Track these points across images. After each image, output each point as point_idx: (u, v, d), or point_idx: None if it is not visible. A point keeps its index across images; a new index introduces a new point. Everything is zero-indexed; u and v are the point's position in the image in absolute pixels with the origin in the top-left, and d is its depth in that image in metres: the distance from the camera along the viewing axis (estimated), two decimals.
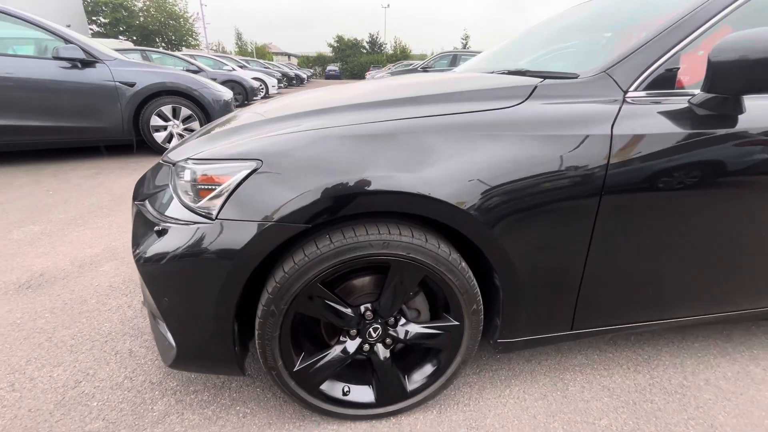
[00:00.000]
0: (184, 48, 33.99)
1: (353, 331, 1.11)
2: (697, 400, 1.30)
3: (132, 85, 4.25)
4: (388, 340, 1.13)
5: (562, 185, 0.98)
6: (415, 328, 1.13)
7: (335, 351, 1.11)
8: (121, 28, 35.12)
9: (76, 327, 1.60)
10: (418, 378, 1.19)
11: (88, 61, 4.04)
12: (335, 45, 54.82)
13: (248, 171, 0.94)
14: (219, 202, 0.94)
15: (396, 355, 1.23)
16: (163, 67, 4.82)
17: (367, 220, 1.01)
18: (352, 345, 1.12)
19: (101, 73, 4.12)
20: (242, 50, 53.12)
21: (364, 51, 55.27)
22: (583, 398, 1.30)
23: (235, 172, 0.95)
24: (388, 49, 55.66)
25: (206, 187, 0.97)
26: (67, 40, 4.00)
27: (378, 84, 1.65)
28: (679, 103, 1.06)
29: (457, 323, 1.11)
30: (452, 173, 0.94)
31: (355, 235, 0.96)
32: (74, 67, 4.00)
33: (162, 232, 0.99)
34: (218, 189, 0.95)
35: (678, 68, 1.07)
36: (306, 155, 0.95)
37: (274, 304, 0.99)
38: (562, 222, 1.02)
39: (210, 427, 1.16)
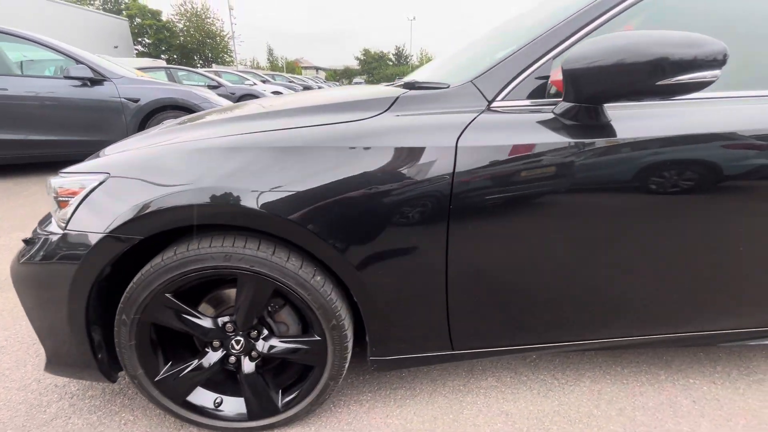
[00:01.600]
0: (214, 65, 35.74)
1: (216, 343, 1.12)
2: (600, 431, 1.20)
3: (136, 101, 4.52)
4: (253, 353, 1.13)
5: (408, 199, 0.95)
6: (275, 342, 1.11)
7: (197, 362, 1.12)
8: (163, 48, 37.51)
9: (14, 329, 1.70)
10: (291, 393, 1.18)
11: (97, 79, 4.34)
12: (362, 58, 55.90)
13: (95, 184, 0.98)
14: (69, 213, 0.98)
15: (274, 369, 1.22)
16: (167, 84, 5.09)
17: (220, 232, 1.02)
18: (213, 356, 1.12)
19: (108, 90, 4.41)
20: (274, 65, 55.29)
21: (390, 63, 55.99)
22: (475, 423, 1.23)
23: (86, 185, 0.99)
24: (414, 60, 56.08)
25: (65, 199, 1.02)
26: (78, 61, 4.32)
27: (302, 95, 1.67)
28: (546, 113, 1.01)
29: (319, 339, 1.09)
30: (289, 187, 0.94)
31: (198, 248, 0.97)
32: (84, 85, 4.31)
33: (28, 242, 1.05)
34: (71, 201, 1.00)
35: (549, 77, 1.02)
36: (148, 168, 0.98)
37: (125, 314, 1.01)
38: (413, 237, 0.98)
39: None
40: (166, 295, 1.01)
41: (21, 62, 4.67)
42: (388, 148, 0.96)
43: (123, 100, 4.46)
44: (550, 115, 0.99)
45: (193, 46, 38.92)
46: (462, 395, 1.35)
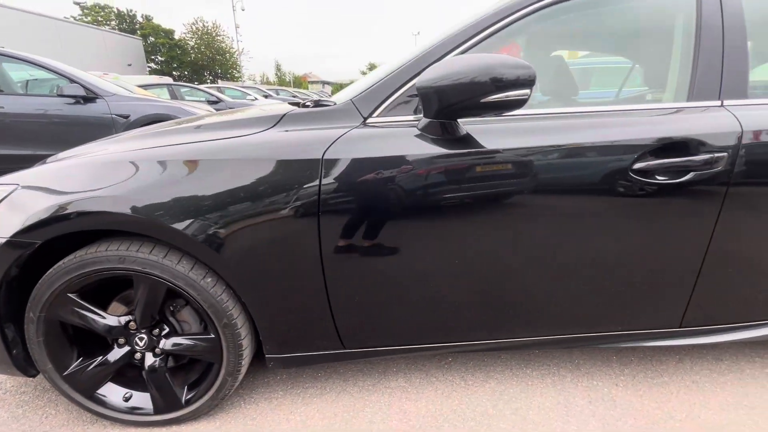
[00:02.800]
0: (221, 81, 36.71)
1: (121, 340, 1.21)
2: (489, 429, 1.26)
3: (126, 116, 4.74)
4: (157, 350, 1.22)
5: (282, 206, 1.05)
6: (176, 340, 1.20)
7: (101, 357, 1.21)
8: (174, 65, 38.72)
9: None
10: (195, 389, 1.26)
11: (90, 97, 4.57)
12: (366, 72, 57.06)
13: (4, 194, 1.09)
14: None
15: (182, 367, 1.30)
16: (158, 100, 5.32)
17: (121, 237, 1.12)
18: (118, 353, 1.21)
19: (100, 107, 4.64)
20: (281, 80, 56.66)
21: None
22: (372, 420, 1.30)
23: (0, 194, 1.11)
24: None
25: None
26: (71, 80, 4.57)
27: (223, 114, 1.78)
28: (413, 128, 1.10)
29: (213, 336, 1.17)
30: (172, 195, 1.04)
31: (95, 251, 1.08)
32: (77, 102, 4.54)
33: None
34: None
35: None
36: (54, 179, 1.09)
37: (32, 311, 1.12)
38: (289, 242, 1.07)
39: (11, 424, 1.29)
40: (69, 294, 1.11)
41: (27, 81, 4.97)
42: (266, 160, 1.06)
43: (114, 116, 4.68)
44: (415, 130, 1.09)
45: (203, 62, 40.10)
46: (368, 394, 1.41)
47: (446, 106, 0.97)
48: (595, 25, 1.31)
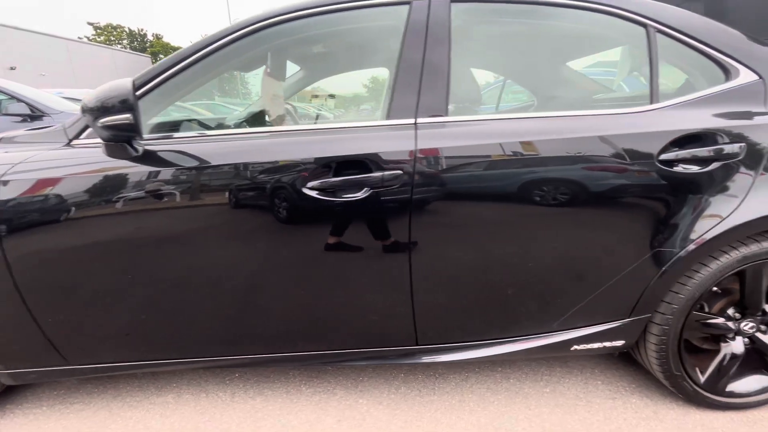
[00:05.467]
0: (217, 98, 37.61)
1: None
2: None
3: None
4: None
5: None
6: None
7: None
8: None
9: None
10: None
11: (36, 115, 4.76)
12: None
13: None
14: None
15: None
16: None
17: None
18: None
19: (46, 125, 4.81)
20: None
21: None
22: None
23: None
24: None
25: None
26: (18, 99, 4.76)
27: None
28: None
29: None
30: None
31: None
32: (24, 120, 4.72)
33: None
34: None
35: None
36: None
37: None
38: None
39: None
40: None
41: None
42: None
43: None
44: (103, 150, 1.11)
45: None
46: (126, 410, 1.41)
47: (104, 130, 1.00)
48: (312, 48, 1.33)
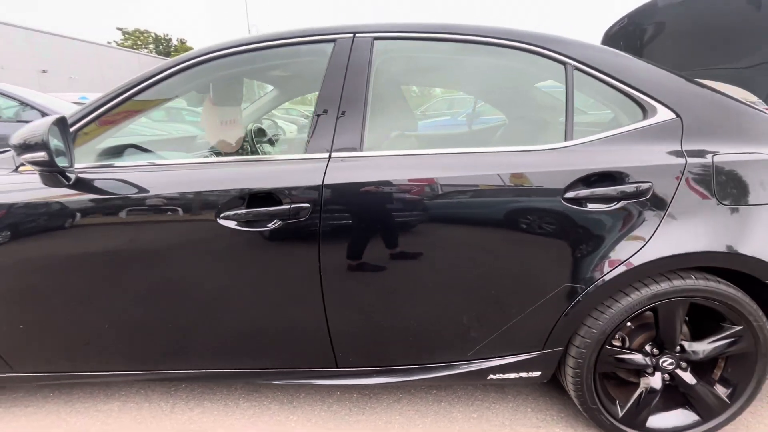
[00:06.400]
0: None
1: None
2: None
3: None
4: None
5: None
6: None
7: None
8: None
9: None
10: None
11: None
12: None
13: None
14: None
15: None
16: None
17: None
18: None
19: None
20: (303, 99, 58.92)
21: None
22: None
23: None
24: None
25: None
26: (32, 107, 5.04)
27: None
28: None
29: None
30: None
31: None
32: None
33: None
34: None
35: None
36: None
37: None
38: None
39: None
40: None
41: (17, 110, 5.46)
42: None
43: None
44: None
45: None
46: (72, 415, 1.50)
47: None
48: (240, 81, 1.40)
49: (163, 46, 43.08)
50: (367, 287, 1.21)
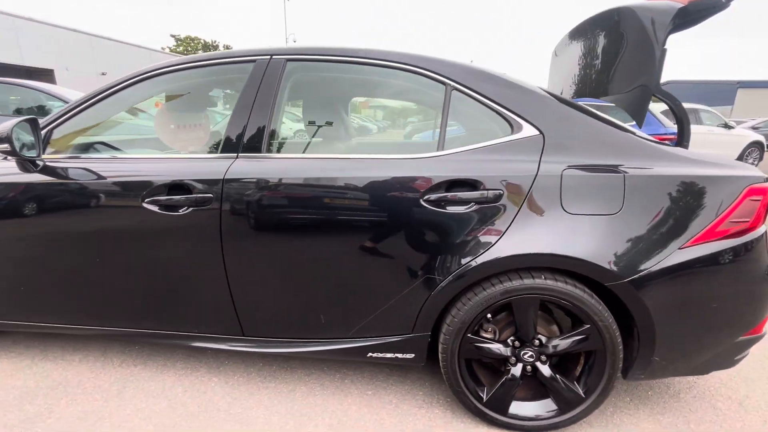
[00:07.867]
0: None
1: None
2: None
3: None
4: None
5: None
6: None
7: None
8: None
9: None
10: None
11: None
12: None
13: None
14: None
15: None
16: None
17: None
18: None
19: None
20: None
21: None
22: None
23: None
24: None
25: None
26: (64, 101, 5.67)
27: None
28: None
29: None
30: None
31: None
32: None
33: None
34: None
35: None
36: None
37: None
38: None
39: None
40: None
41: (43, 106, 6.12)
42: None
43: None
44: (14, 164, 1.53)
45: None
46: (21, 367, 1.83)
47: None
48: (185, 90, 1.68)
49: (193, 49, 45.73)
50: (261, 267, 1.43)
